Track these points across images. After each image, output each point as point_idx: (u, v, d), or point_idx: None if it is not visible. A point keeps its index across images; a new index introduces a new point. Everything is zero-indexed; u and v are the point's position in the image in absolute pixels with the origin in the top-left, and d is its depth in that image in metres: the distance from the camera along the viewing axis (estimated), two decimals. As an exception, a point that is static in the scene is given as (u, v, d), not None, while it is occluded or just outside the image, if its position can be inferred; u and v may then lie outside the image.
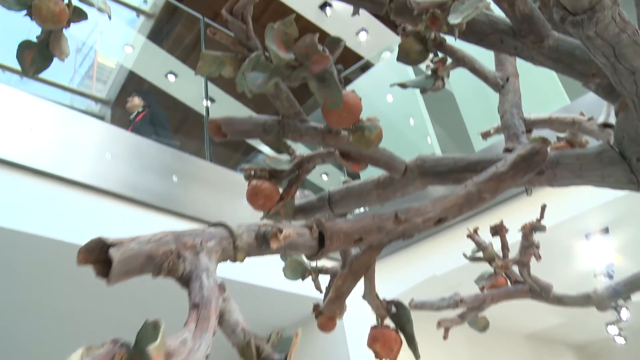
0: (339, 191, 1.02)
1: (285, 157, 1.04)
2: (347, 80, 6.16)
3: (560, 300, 1.35)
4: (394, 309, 0.72)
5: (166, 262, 0.42)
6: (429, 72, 0.96)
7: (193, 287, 0.41)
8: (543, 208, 1.20)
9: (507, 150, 0.88)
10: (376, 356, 0.69)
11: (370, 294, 0.72)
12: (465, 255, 1.58)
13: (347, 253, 1.32)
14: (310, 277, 1.41)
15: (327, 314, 1.44)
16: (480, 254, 1.55)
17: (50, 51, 0.70)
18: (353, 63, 7.69)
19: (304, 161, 0.99)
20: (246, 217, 3.14)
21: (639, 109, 0.62)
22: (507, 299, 1.41)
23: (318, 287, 1.42)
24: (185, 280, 0.43)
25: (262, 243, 0.53)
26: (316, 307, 1.43)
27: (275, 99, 0.85)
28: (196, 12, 5.71)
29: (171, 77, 6.43)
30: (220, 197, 2.82)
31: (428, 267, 3.13)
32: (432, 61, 0.96)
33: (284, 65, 0.71)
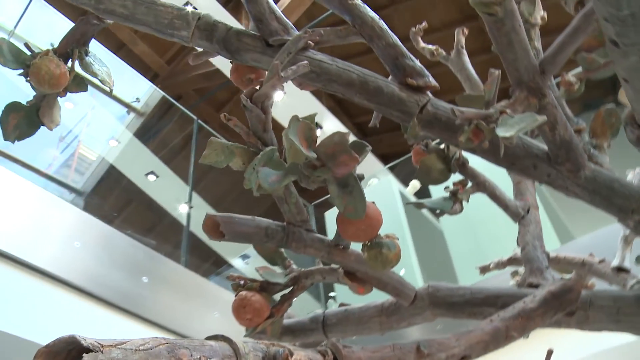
0: (335, 314, 0.90)
1: (278, 269, 0.93)
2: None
3: None
4: None
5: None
6: (448, 195, 0.89)
7: None
8: (550, 353, 1.08)
9: (531, 285, 0.79)
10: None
11: None
12: None
13: None
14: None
15: None
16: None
17: (39, 118, 0.61)
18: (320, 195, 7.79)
19: (301, 276, 0.88)
20: (216, 330, 2.91)
21: None
22: None
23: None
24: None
25: (270, 367, 0.41)
26: None
27: (283, 203, 0.76)
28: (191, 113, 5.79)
29: (151, 177, 6.35)
30: (191, 306, 2.61)
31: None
32: (453, 184, 0.90)
33: (303, 164, 0.63)
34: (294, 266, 0.90)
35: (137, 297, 2.42)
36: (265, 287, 0.88)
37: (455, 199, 0.88)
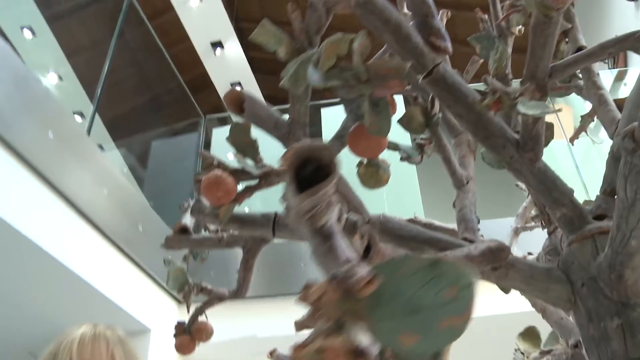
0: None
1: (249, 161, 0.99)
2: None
3: None
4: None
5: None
6: (416, 145, 1.01)
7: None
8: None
9: (466, 239, 0.95)
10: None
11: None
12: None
13: (245, 280, 1.25)
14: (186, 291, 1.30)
15: (193, 336, 1.32)
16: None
17: None
18: (215, 110, 7.69)
19: (272, 173, 0.95)
20: (105, 205, 2.77)
21: (615, 243, 0.72)
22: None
23: (187, 305, 1.31)
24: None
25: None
26: (179, 326, 1.31)
27: (296, 102, 0.82)
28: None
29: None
30: (85, 175, 2.44)
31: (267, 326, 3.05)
32: (421, 138, 1.02)
33: (351, 74, 0.70)
34: (265, 162, 0.97)
35: (40, 151, 2.25)
36: (235, 174, 0.93)
37: (421, 151, 1.01)
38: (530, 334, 1.35)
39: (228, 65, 8.60)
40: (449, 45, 0.89)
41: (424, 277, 0.25)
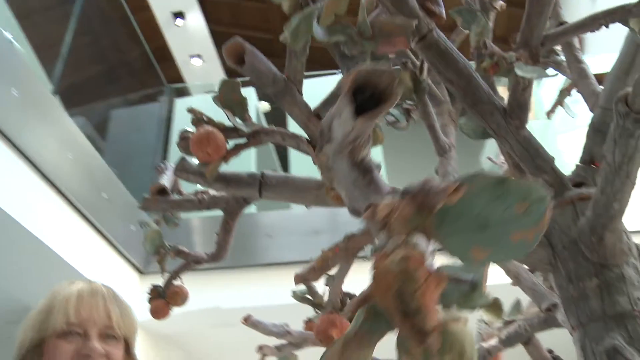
0: (276, 177, 0.98)
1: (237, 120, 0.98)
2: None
3: None
4: (348, 301, 0.71)
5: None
6: (403, 110, 1.02)
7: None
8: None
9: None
10: (327, 343, 0.66)
11: (338, 279, 0.70)
12: (294, 293, 1.61)
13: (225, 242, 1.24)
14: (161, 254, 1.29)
15: (168, 300, 1.31)
16: (308, 297, 1.59)
17: None
18: (173, 81, 7.51)
19: (261, 132, 0.94)
20: (68, 170, 2.67)
21: (599, 205, 0.76)
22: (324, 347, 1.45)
23: (162, 268, 1.29)
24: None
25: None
26: (154, 290, 1.30)
27: (293, 57, 0.82)
28: None
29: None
30: (48, 139, 2.34)
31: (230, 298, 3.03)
32: (407, 103, 1.03)
33: (357, 31, 0.70)
34: (254, 121, 0.96)
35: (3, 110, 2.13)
36: (224, 131, 0.92)
37: (408, 116, 1.02)
38: (492, 306, 1.41)
39: (189, 37, 8.39)
40: (442, 11, 0.90)
41: (492, 194, 0.26)
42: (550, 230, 0.88)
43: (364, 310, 0.32)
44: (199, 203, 1.17)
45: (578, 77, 1.04)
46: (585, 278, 0.79)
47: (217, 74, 8.58)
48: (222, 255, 1.21)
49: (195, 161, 1.00)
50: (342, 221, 3.28)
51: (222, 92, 0.95)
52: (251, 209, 3.55)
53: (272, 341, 1.42)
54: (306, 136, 0.92)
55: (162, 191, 1.22)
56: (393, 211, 0.28)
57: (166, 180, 1.25)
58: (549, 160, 0.92)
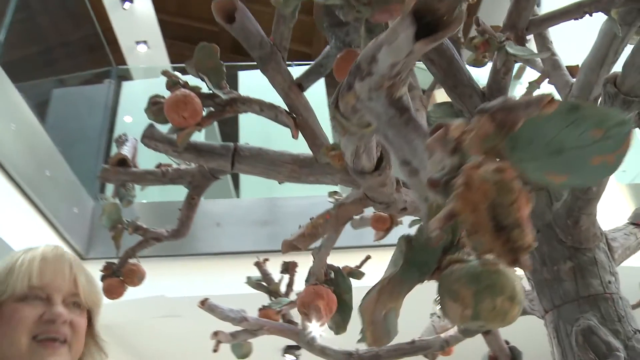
0: (249, 149, 0.94)
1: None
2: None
3: (323, 352, 1.40)
4: (332, 275, 0.69)
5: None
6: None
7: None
8: (367, 258, 1.30)
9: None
10: (313, 315, 0.63)
11: (325, 249, 0.68)
12: (249, 279, 1.58)
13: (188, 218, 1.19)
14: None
15: (123, 279, 1.24)
16: (263, 284, 1.56)
17: None
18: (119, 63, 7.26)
19: (238, 100, 0.90)
20: (9, 140, 2.47)
21: (577, 189, 0.77)
22: (279, 335, 1.41)
23: (117, 245, 1.23)
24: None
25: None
26: (108, 267, 1.23)
27: (282, 23, 0.78)
28: None
29: None
30: None
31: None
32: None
33: (353, -5, 0.68)
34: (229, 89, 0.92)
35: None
36: (201, 97, 0.88)
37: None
38: None
39: (136, 21, 8.11)
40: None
41: (565, 121, 0.24)
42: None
43: (402, 254, 0.30)
44: (162, 176, 1.11)
45: (552, 68, 1.06)
46: (560, 261, 0.80)
47: (163, 62, 8.36)
48: (183, 232, 1.16)
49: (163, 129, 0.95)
50: (297, 211, 3.25)
51: (197, 58, 0.91)
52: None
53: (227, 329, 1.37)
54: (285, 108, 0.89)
55: (122, 162, 1.15)
56: (468, 131, 0.26)
57: (127, 151, 1.18)
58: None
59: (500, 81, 0.90)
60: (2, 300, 0.89)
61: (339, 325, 0.66)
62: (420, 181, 0.71)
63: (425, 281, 0.35)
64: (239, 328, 1.37)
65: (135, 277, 1.24)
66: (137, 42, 8.54)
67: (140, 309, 3.05)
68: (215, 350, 1.34)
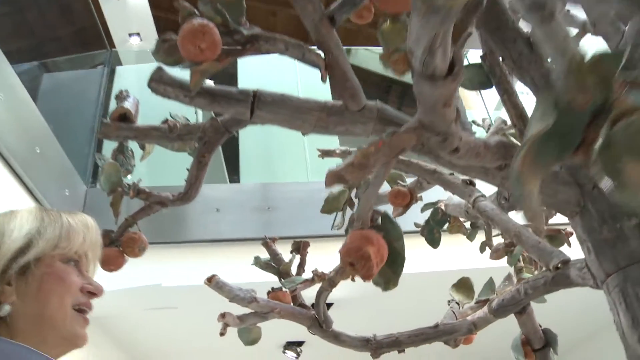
0: (272, 94, 0.84)
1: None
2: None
3: (338, 338, 1.30)
4: (379, 220, 0.59)
5: None
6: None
7: None
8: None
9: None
10: (362, 265, 0.53)
11: (373, 186, 0.58)
12: (257, 259, 1.47)
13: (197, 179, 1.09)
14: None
15: (122, 248, 1.13)
16: (273, 264, 1.46)
17: None
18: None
19: (261, 38, 0.80)
20: None
21: None
22: (291, 319, 1.31)
23: (116, 212, 1.12)
24: None
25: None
26: (106, 235, 1.11)
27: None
28: None
29: None
30: None
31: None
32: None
33: None
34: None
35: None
36: (219, 29, 0.78)
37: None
38: (463, 285, 1.32)
39: (129, 13, 7.98)
40: None
41: None
42: (575, 169, 0.80)
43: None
44: (170, 131, 1.01)
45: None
46: (623, 218, 0.71)
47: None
48: (192, 195, 1.05)
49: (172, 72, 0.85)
50: (298, 197, 3.14)
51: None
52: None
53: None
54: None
55: (123, 118, 1.05)
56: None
57: (129, 106, 1.08)
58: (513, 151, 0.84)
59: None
60: (45, 253, 0.84)
61: (389, 279, 0.56)
62: (556, 29, 0.60)
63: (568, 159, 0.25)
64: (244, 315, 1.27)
65: (136, 246, 1.13)
66: (130, 35, 8.41)
67: (136, 299, 2.92)
68: (222, 334, 1.23)
